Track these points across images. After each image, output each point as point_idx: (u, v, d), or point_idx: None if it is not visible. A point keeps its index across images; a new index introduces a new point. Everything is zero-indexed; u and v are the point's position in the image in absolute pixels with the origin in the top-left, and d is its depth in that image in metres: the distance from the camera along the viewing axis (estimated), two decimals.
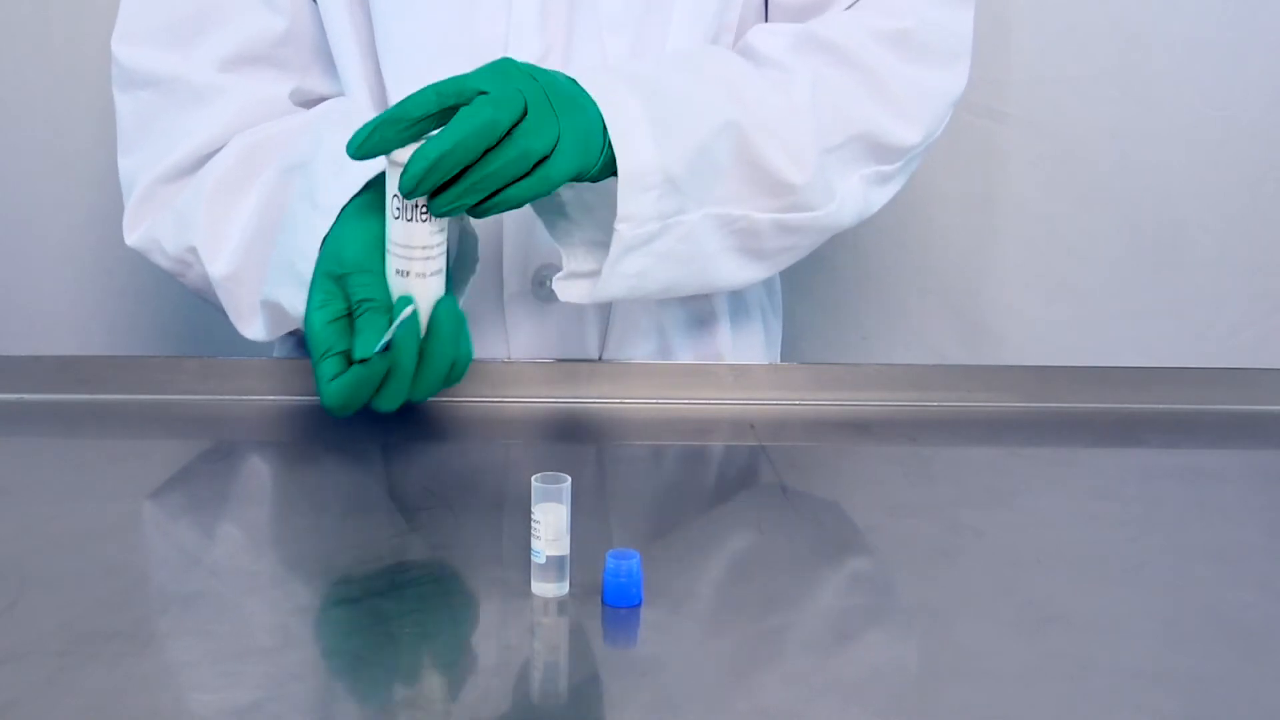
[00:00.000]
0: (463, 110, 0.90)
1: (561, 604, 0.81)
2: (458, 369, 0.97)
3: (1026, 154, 1.55)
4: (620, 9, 1.11)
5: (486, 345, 1.13)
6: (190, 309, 1.55)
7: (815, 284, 1.58)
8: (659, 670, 0.75)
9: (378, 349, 0.92)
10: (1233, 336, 1.60)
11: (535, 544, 0.80)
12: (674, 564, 0.86)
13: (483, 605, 0.81)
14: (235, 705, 0.70)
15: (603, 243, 1.01)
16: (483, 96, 0.91)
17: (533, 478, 0.80)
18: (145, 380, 1.11)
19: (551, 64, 1.10)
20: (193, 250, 1.12)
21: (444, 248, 0.94)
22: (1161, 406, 1.14)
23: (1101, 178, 1.56)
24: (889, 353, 1.60)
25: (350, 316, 0.95)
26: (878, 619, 0.81)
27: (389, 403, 0.94)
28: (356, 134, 0.91)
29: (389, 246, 0.93)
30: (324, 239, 0.99)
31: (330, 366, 0.93)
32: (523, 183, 0.92)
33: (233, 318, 1.13)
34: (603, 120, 0.97)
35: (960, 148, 1.54)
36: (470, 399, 1.11)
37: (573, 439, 1.07)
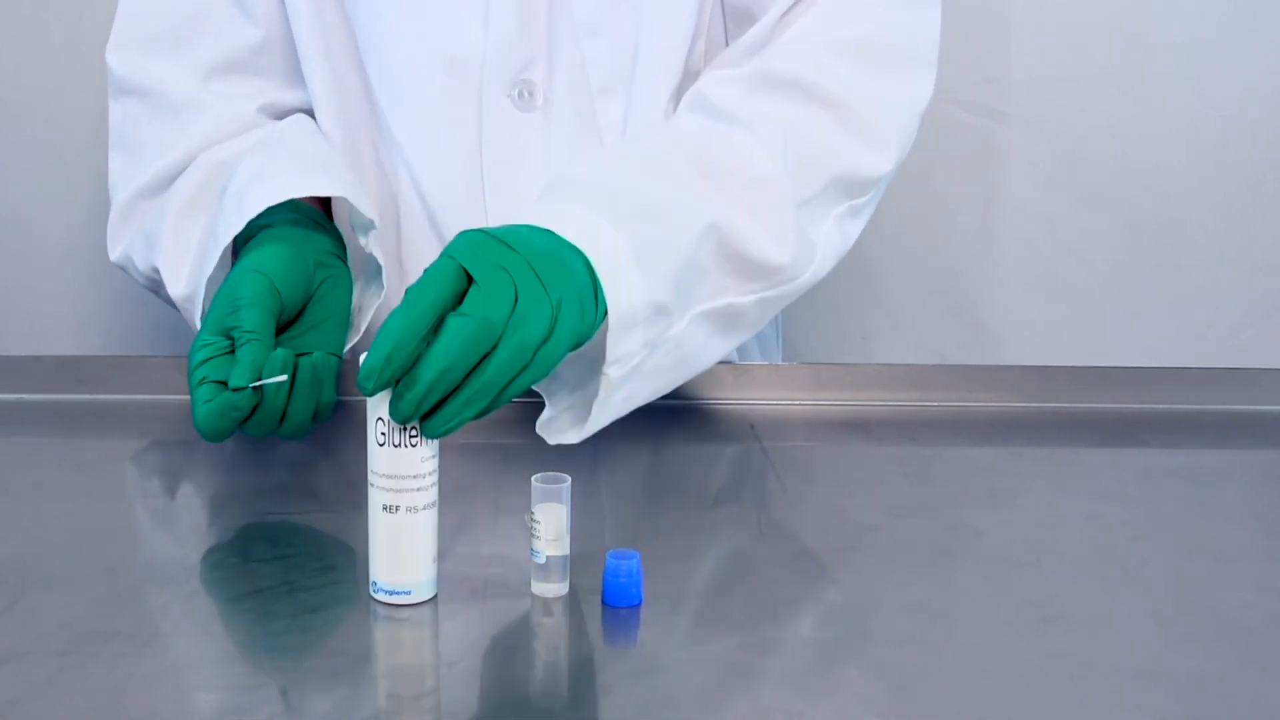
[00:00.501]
0: (451, 319, 0.80)
1: (561, 604, 0.81)
2: (322, 415, 0.99)
3: (1026, 154, 1.55)
4: (595, 13, 1.10)
5: None
6: None
7: (815, 284, 1.58)
8: (659, 670, 0.75)
9: (248, 384, 0.92)
10: (1233, 336, 1.60)
11: (535, 544, 0.80)
12: (674, 564, 0.86)
13: (483, 605, 0.81)
14: (235, 705, 0.70)
15: (586, 379, 0.94)
16: (473, 292, 0.81)
17: (533, 478, 0.80)
18: (145, 380, 1.11)
19: (535, 72, 1.11)
20: (156, 269, 1.12)
21: (436, 475, 0.80)
22: (1161, 406, 1.14)
23: (1101, 178, 1.56)
24: (889, 353, 1.60)
25: (231, 348, 0.95)
26: (878, 619, 0.81)
27: (256, 431, 0.95)
28: (366, 367, 0.79)
29: (371, 479, 0.79)
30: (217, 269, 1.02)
31: (204, 393, 0.93)
32: (523, 375, 0.82)
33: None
34: (592, 273, 0.87)
35: (960, 148, 1.54)
36: None
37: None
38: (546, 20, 1.11)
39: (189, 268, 1.10)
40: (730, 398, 1.12)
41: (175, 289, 1.10)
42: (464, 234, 0.85)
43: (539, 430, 0.92)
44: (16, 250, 1.54)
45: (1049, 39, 1.53)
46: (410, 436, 0.79)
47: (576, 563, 0.82)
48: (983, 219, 1.58)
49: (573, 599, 0.81)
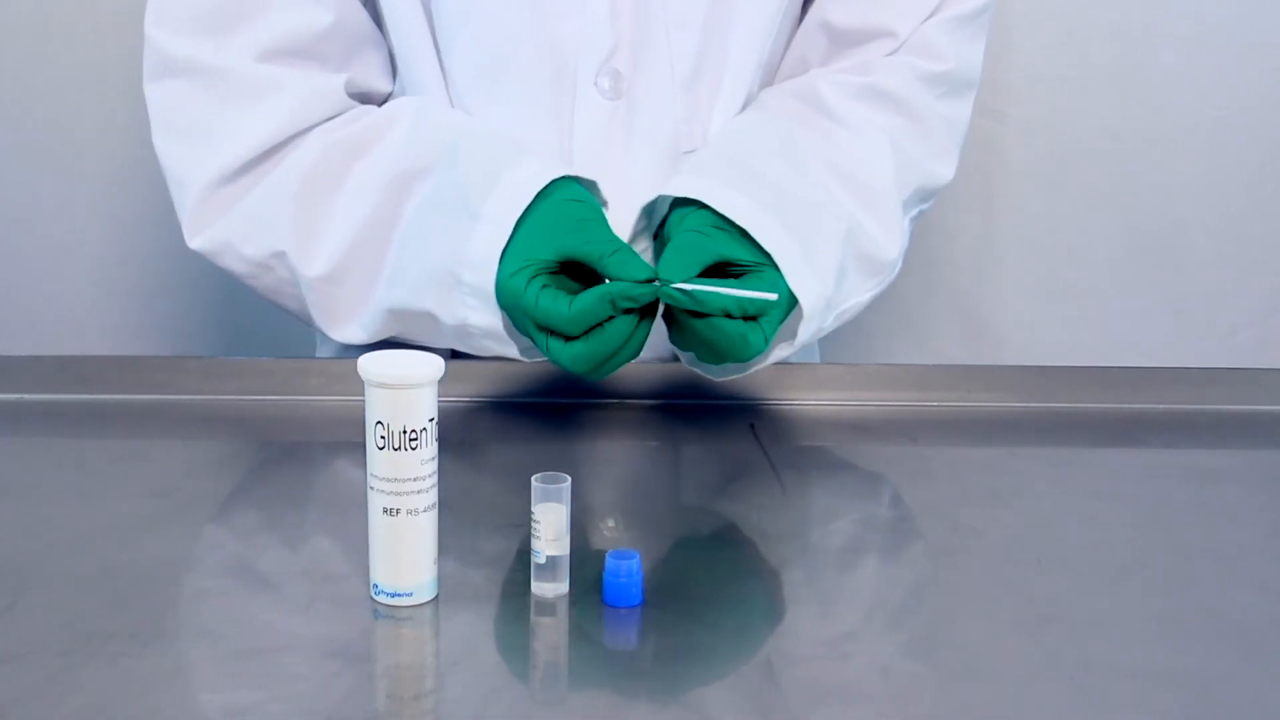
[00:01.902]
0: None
1: (561, 604, 0.81)
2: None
3: (1026, 154, 1.55)
4: (687, 7, 1.11)
5: None
6: (190, 309, 1.55)
7: None
8: (659, 670, 0.75)
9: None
10: (1233, 336, 1.60)
11: (535, 544, 0.80)
12: (674, 564, 0.86)
13: (482, 605, 0.81)
14: (235, 705, 0.70)
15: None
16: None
17: (533, 478, 0.80)
18: (145, 380, 1.11)
19: (620, 61, 1.11)
20: (279, 254, 1.09)
21: (436, 476, 0.80)
22: (1161, 406, 1.14)
23: (1101, 178, 1.56)
24: (889, 353, 1.60)
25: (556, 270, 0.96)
26: (877, 619, 0.81)
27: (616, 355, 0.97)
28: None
29: (371, 482, 0.80)
30: (505, 248, 0.98)
31: (591, 307, 0.94)
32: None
33: (320, 319, 1.11)
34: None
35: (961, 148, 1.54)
36: (471, 399, 1.11)
37: (573, 439, 1.07)
38: (634, 9, 1.11)
39: (328, 247, 1.08)
40: (730, 398, 1.12)
41: (310, 269, 1.08)
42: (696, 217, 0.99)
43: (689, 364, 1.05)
44: (16, 250, 1.54)
45: (1049, 39, 1.52)
46: (410, 439, 0.79)
47: (576, 563, 0.82)
48: (983, 219, 1.58)
49: (573, 599, 0.81)
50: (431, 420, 0.79)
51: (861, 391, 1.13)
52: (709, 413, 1.11)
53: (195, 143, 1.12)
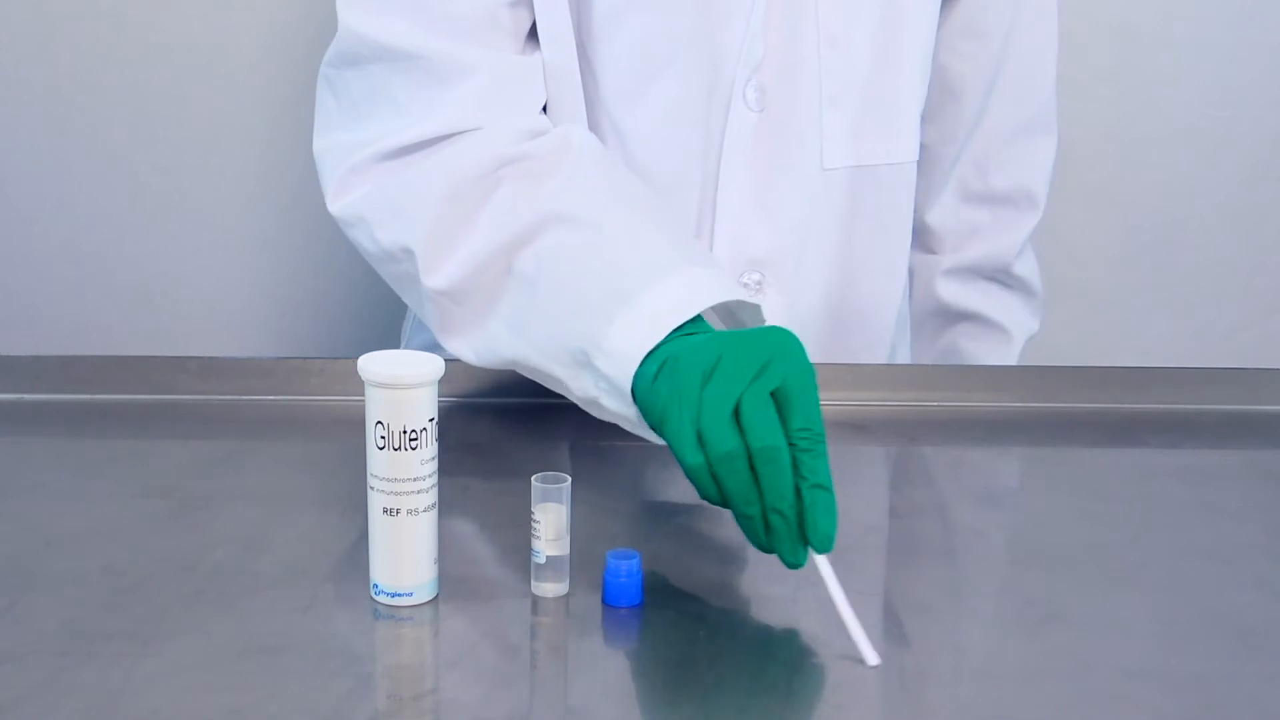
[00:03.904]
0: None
1: (561, 604, 0.81)
2: None
3: None
4: (842, 25, 1.11)
5: None
6: (190, 309, 1.55)
7: None
8: (659, 670, 0.75)
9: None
10: (1233, 336, 1.60)
11: (535, 544, 0.80)
12: (674, 564, 0.86)
13: (482, 605, 0.81)
14: (235, 705, 0.70)
15: None
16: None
17: (533, 478, 0.80)
18: (145, 380, 1.11)
19: (767, 74, 1.10)
20: (407, 250, 1.03)
21: (436, 476, 0.80)
22: (1161, 406, 1.14)
23: (1101, 178, 1.56)
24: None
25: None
26: (878, 619, 0.81)
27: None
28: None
29: (371, 482, 0.80)
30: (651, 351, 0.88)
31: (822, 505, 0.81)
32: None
33: (436, 328, 1.05)
34: None
35: None
36: (471, 398, 1.11)
37: (573, 439, 1.07)
38: (786, 24, 1.10)
39: (455, 262, 1.01)
40: None
41: (432, 280, 1.02)
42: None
43: None
44: (16, 250, 1.54)
45: None
46: (410, 439, 0.78)
47: (576, 563, 0.82)
48: None
49: (573, 599, 0.81)
50: (431, 420, 0.79)
51: (861, 391, 1.13)
52: None
53: (369, 122, 1.06)
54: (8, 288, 1.54)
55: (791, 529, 0.79)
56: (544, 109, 1.10)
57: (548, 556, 0.80)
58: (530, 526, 0.80)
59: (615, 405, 0.92)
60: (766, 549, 0.81)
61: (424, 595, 0.80)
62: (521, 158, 1.03)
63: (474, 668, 0.75)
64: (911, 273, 1.29)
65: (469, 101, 1.04)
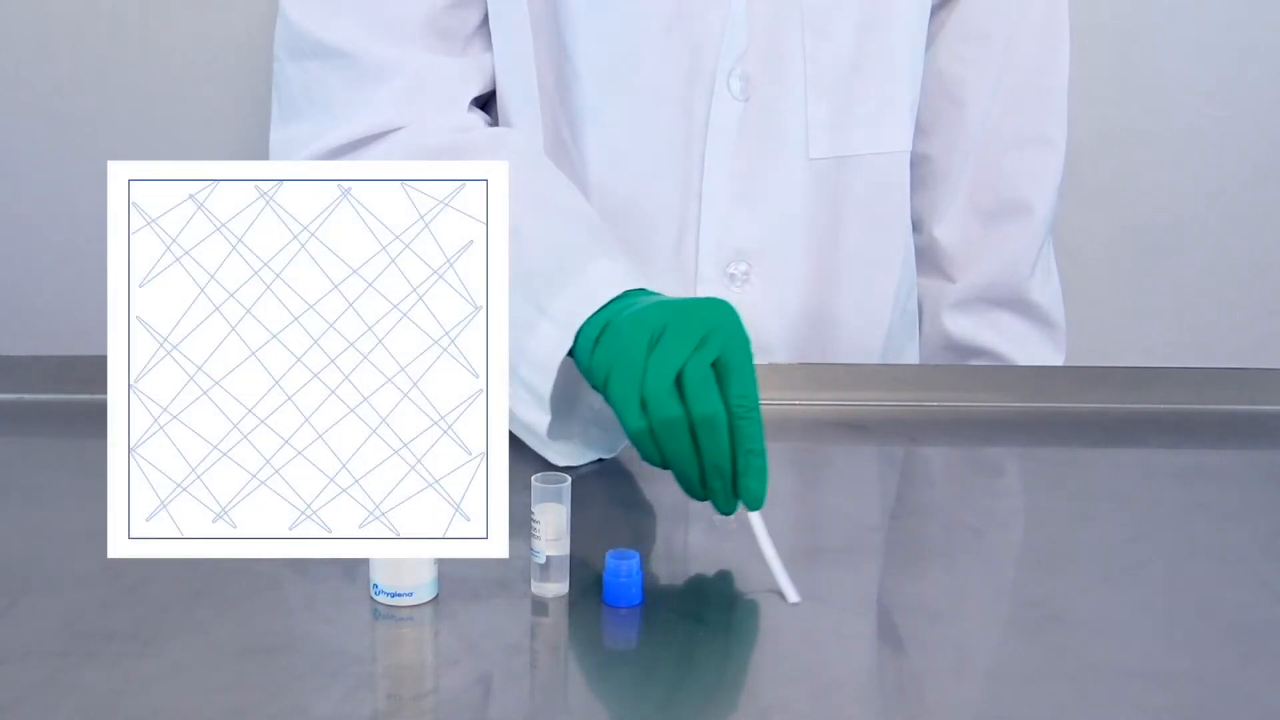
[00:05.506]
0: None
1: (561, 604, 0.81)
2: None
3: None
4: (824, 12, 1.10)
5: None
6: None
7: None
8: (659, 670, 0.75)
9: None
10: (1233, 336, 1.59)
11: (535, 544, 0.80)
12: (674, 564, 0.86)
13: (482, 605, 0.81)
14: (235, 705, 0.70)
15: None
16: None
17: (533, 478, 0.80)
18: None
19: (751, 62, 1.10)
20: None
21: None
22: (1162, 406, 1.14)
23: (1101, 178, 1.56)
24: None
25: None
26: (877, 619, 0.81)
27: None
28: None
29: None
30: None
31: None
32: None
33: None
34: None
35: None
36: None
37: None
38: (771, 13, 1.10)
39: None
40: None
41: None
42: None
43: None
44: (16, 250, 1.54)
45: None
46: None
47: (576, 563, 0.82)
48: None
49: (573, 599, 0.81)
50: None
51: (861, 391, 1.13)
52: None
53: (308, 119, 1.09)
54: (8, 288, 1.54)
55: (727, 488, 0.85)
56: (484, 108, 1.11)
57: (548, 556, 0.80)
58: (530, 527, 0.80)
59: (529, 415, 0.94)
60: (700, 500, 0.87)
61: (424, 595, 0.80)
62: (450, 149, 1.05)
63: (474, 668, 0.75)
64: (920, 304, 1.28)
65: (392, 101, 1.07)
